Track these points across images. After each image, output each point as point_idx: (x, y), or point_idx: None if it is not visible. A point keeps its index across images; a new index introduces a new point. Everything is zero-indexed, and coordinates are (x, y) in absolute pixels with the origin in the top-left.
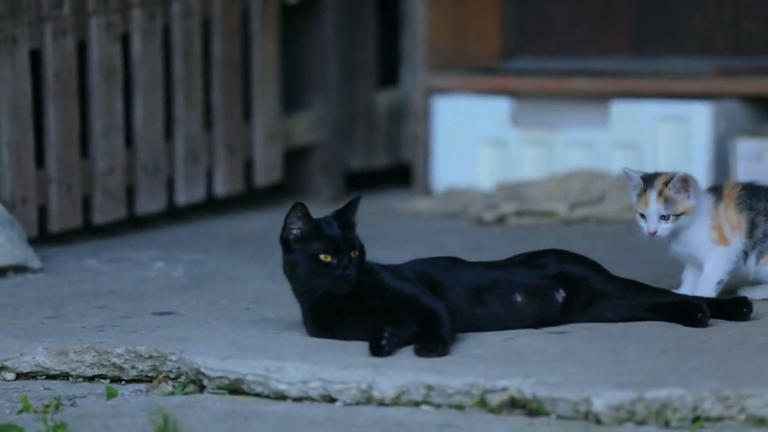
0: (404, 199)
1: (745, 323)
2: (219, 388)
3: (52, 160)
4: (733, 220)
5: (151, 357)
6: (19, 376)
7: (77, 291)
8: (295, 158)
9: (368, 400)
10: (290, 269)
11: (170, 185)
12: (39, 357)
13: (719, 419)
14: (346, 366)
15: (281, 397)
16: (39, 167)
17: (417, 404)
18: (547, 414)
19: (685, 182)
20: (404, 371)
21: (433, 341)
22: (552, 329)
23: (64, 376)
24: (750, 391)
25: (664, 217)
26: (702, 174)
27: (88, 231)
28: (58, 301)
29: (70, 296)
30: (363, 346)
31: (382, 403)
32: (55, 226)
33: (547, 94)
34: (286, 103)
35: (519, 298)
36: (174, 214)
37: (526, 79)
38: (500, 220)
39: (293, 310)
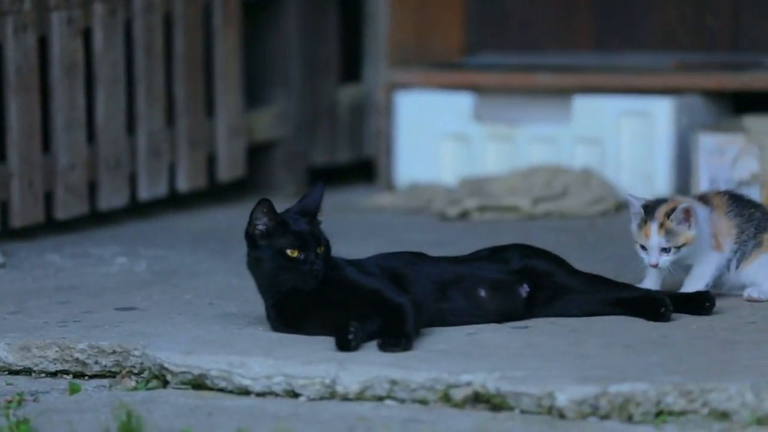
0: (367, 195)
1: (707, 317)
2: (182, 383)
3: (14, 155)
4: (725, 227)
5: (114, 352)
6: None
7: (39, 286)
8: (258, 154)
9: (332, 395)
10: (255, 265)
11: (133, 180)
12: (1, 352)
13: (682, 413)
14: (309, 361)
15: (245, 392)
16: (0, 163)
17: (381, 399)
18: (510, 408)
19: (687, 213)
20: (368, 366)
21: (396, 336)
22: (516, 324)
23: (27, 371)
24: (712, 386)
25: (665, 250)
26: (664, 169)
27: (51, 226)
28: (20, 297)
29: (33, 292)
30: (327, 341)
31: (346, 398)
32: (17, 221)
33: (510, 89)
34: (249, 99)
35: (483, 293)
36: (136, 210)
37: (488, 74)
38: (463, 215)
39: (257, 305)
